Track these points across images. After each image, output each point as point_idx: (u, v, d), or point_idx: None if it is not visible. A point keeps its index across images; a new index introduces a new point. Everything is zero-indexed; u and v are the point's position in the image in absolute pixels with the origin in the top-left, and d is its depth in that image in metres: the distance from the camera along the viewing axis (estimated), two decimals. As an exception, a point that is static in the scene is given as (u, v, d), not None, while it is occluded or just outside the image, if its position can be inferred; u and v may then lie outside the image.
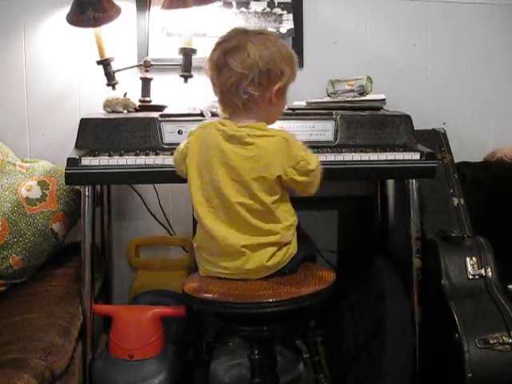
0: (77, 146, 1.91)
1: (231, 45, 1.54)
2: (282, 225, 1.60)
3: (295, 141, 1.59)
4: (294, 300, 1.53)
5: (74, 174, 1.79)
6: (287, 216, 1.62)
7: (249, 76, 1.52)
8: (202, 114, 2.01)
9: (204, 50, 2.31)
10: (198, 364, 1.80)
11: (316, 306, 1.60)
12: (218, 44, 1.58)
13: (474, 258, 1.88)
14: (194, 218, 2.47)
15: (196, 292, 1.59)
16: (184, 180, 1.67)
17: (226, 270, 1.61)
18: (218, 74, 1.56)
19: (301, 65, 2.45)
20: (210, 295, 1.56)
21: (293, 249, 1.64)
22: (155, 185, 2.41)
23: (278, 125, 1.76)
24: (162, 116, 1.98)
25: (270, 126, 1.60)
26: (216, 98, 2.07)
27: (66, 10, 2.17)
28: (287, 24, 2.42)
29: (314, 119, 1.97)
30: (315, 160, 1.61)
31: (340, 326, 2.20)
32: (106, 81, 2.25)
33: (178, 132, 1.95)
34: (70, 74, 2.40)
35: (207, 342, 1.72)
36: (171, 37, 2.38)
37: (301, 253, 1.68)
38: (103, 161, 1.81)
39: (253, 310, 1.53)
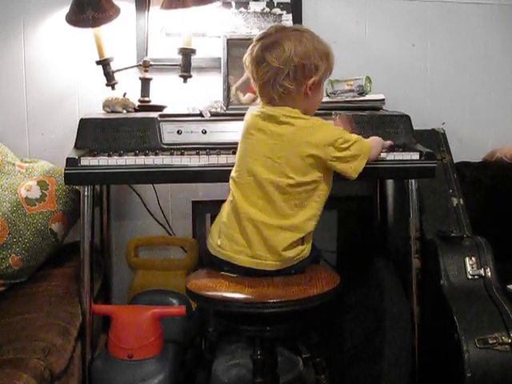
0: (76, 146, 1.91)
1: (269, 41, 1.64)
2: (306, 211, 1.64)
3: (329, 124, 1.69)
4: (302, 300, 1.54)
5: (74, 174, 1.79)
6: (313, 204, 1.65)
7: (284, 70, 1.62)
8: (201, 114, 2.02)
9: (203, 50, 2.32)
10: (197, 364, 1.81)
11: (324, 306, 1.60)
12: (257, 40, 1.67)
13: (473, 258, 1.88)
14: (193, 218, 2.50)
15: (200, 289, 1.59)
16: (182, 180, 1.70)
17: (239, 247, 1.62)
18: (256, 68, 1.66)
19: (300, 65, 2.46)
20: (215, 293, 1.56)
21: (307, 251, 1.68)
22: (154, 185, 2.41)
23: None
24: (161, 116, 1.98)
25: None
26: (215, 98, 2.10)
27: (66, 10, 2.17)
28: (286, 24, 2.42)
29: (314, 119, 1.97)
30: (355, 136, 1.68)
31: (340, 326, 2.20)
32: (105, 81, 2.24)
33: (178, 132, 1.95)
34: (70, 74, 2.40)
35: (210, 342, 1.72)
36: (170, 37, 2.38)
37: (310, 256, 1.70)
38: (102, 161, 1.80)
39: (259, 309, 1.54)
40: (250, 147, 1.66)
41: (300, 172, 1.62)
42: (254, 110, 1.70)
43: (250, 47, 1.68)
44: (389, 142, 1.88)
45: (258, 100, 1.73)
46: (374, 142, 1.78)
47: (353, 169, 1.66)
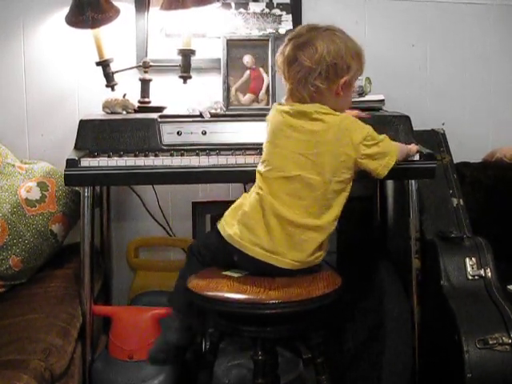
0: (76, 147, 1.91)
1: (301, 40, 1.63)
2: (331, 212, 1.64)
3: (358, 120, 1.67)
4: (304, 302, 1.53)
5: (74, 175, 1.79)
6: (338, 205, 1.66)
7: (317, 70, 1.61)
8: (201, 115, 2.02)
9: (203, 51, 2.32)
10: (197, 364, 1.81)
11: (326, 307, 1.59)
12: (290, 39, 1.66)
13: (473, 259, 1.88)
14: (193, 219, 2.50)
15: (201, 290, 1.59)
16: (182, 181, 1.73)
17: (257, 239, 1.60)
18: (288, 68, 1.65)
19: (300, 65, 2.46)
20: (216, 293, 1.56)
21: (322, 257, 1.68)
22: (154, 186, 2.41)
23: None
24: (161, 117, 1.98)
25: None
26: (215, 99, 2.09)
27: (65, 11, 2.18)
28: (286, 25, 2.42)
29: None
30: (382, 135, 1.67)
31: (340, 327, 2.20)
32: (105, 82, 2.25)
33: (177, 133, 1.95)
34: (69, 75, 2.40)
35: (210, 342, 1.72)
36: (170, 38, 2.38)
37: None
38: (102, 162, 1.81)
39: (260, 310, 1.53)
40: (281, 143, 1.64)
41: (332, 170, 1.60)
42: (280, 107, 1.68)
43: (282, 47, 1.68)
44: (414, 149, 1.86)
45: (284, 98, 1.71)
46: (398, 145, 1.76)
47: (383, 166, 1.65)
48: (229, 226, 1.66)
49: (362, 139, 1.61)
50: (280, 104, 1.71)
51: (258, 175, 1.68)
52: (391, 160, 1.66)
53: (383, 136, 1.67)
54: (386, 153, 1.66)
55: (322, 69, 1.60)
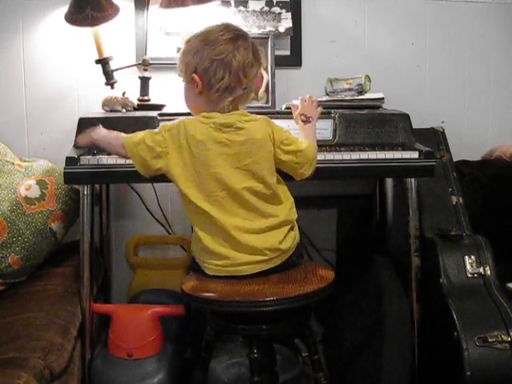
0: (75, 145, 1.91)
1: (253, 43, 1.65)
2: (285, 204, 1.65)
3: (274, 123, 1.66)
4: (298, 297, 1.53)
5: (73, 173, 1.79)
6: (285, 193, 1.68)
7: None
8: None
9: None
10: (197, 363, 1.81)
11: (319, 303, 1.60)
12: (246, 39, 1.63)
13: (472, 257, 1.89)
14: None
15: (195, 291, 1.59)
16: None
17: (238, 260, 1.59)
18: (246, 70, 1.60)
19: (299, 64, 2.47)
20: (210, 294, 1.56)
21: (298, 236, 1.69)
22: (154, 184, 2.41)
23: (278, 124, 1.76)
24: (160, 115, 1.98)
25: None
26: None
27: (65, 9, 2.17)
28: (286, 23, 2.42)
29: (313, 118, 1.97)
30: (303, 143, 1.67)
31: (339, 325, 2.20)
32: (104, 80, 2.25)
33: (177, 131, 1.95)
34: (69, 73, 2.39)
35: (206, 341, 1.71)
36: (170, 36, 2.38)
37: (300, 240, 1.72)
38: (102, 160, 1.80)
39: (255, 308, 1.53)
40: (214, 163, 1.58)
41: (271, 173, 1.63)
42: (197, 121, 1.60)
43: (233, 46, 1.59)
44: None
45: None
46: (313, 137, 1.75)
47: (303, 171, 1.68)
48: (207, 264, 1.64)
49: (279, 143, 1.63)
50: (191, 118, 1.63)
51: (200, 204, 1.59)
52: (309, 171, 1.68)
53: (304, 145, 1.66)
54: (302, 164, 1.66)
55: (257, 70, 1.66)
